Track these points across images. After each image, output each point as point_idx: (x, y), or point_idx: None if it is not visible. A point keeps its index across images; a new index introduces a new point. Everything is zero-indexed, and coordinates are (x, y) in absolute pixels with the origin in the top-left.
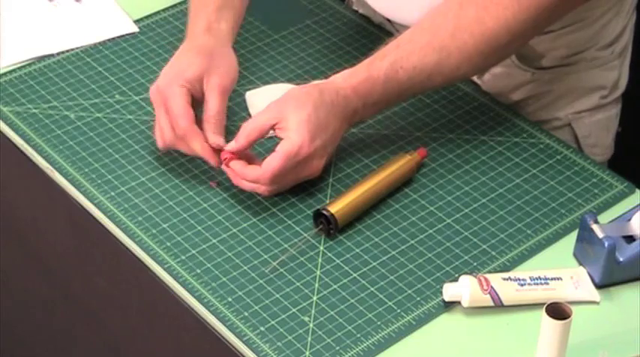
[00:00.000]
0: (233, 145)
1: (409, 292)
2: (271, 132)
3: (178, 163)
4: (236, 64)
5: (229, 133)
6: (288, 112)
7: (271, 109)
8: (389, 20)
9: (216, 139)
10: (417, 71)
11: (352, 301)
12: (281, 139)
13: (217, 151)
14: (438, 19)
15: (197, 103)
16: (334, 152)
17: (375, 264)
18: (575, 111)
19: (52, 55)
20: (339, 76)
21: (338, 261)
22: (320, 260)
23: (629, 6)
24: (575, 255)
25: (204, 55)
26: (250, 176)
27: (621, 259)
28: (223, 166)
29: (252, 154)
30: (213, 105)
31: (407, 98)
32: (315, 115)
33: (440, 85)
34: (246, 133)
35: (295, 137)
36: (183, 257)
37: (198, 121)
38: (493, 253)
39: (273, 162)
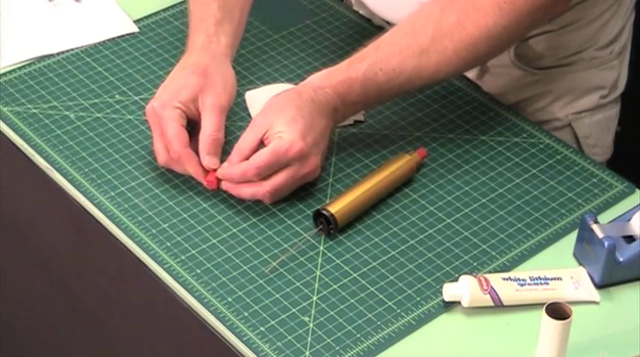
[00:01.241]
0: (227, 169)
1: (409, 292)
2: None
3: None
4: (233, 80)
5: (229, 133)
6: (273, 119)
7: (256, 124)
8: (388, 22)
9: (209, 161)
10: (396, 73)
11: (352, 301)
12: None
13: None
14: (419, 23)
15: (195, 122)
16: (327, 151)
17: (375, 264)
18: (575, 111)
19: (52, 55)
20: (315, 76)
21: (338, 261)
22: (320, 260)
23: (627, 5)
24: (575, 255)
25: (198, 73)
26: (237, 170)
27: (621, 259)
28: (213, 188)
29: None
30: (208, 125)
31: (387, 99)
32: (300, 115)
33: (419, 87)
34: (238, 152)
35: (286, 136)
36: (183, 257)
37: (196, 141)
38: (493, 253)
39: (260, 155)
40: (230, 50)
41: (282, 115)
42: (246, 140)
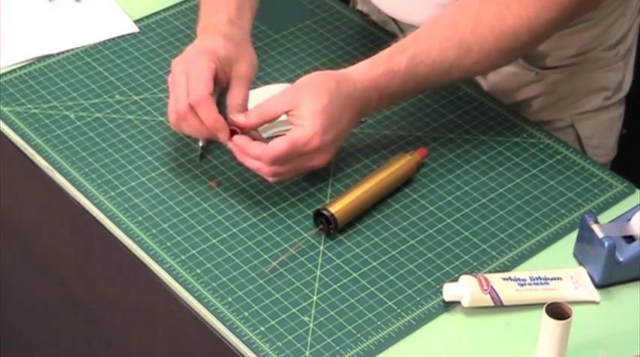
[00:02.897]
0: (242, 119)
1: (409, 292)
2: (284, 116)
3: (178, 163)
4: (257, 60)
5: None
6: (303, 100)
7: (287, 94)
8: (393, 19)
9: (237, 117)
10: (436, 65)
11: (352, 301)
12: (293, 125)
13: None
14: (458, 15)
15: (219, 83)
16: (325, 170)
17: (375, 264)
18: (579, 112)
19: (52, 55)
20: (356, 67)
21: (338, 261)
22: (320, 260)
23: (634, 7)
24: (575, 255)
25: (234, 42)
26: (253, 152)
27: (621, 259)
28: (227, 141)
29: (260, 135)
30: (240, 93)
31: (422, 92)
32: (330, 107)
33: (457, 79)
34: (259, 112)
35: (308, 128)
36: (183, 257)
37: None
38: (493, 253)
39: (279, 144)
40: (249, 35)
41: (313, 101)
42: (271, 104)
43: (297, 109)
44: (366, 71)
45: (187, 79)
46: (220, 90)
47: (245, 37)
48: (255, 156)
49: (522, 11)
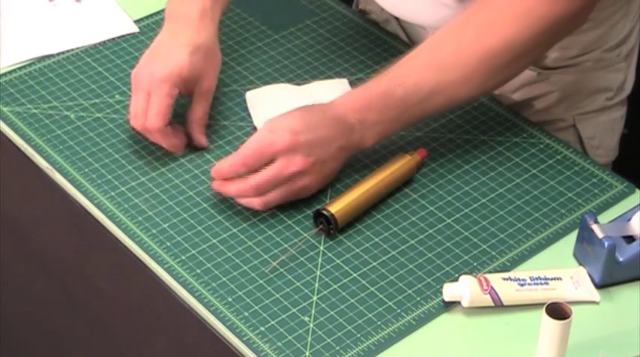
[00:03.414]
0: (215, 166)
1: (409, 292)
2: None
3: (178, 163)
4: (220, 60)
5: (229, 133)
6: (274, 119)
7: (259, 134)
8: (396, 18)
9: (201, 140)
10: (416, 88)
11: (352, 301)
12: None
13: (182, 142)
14: (440, 39)
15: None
16: (332, 175)
17: (375, 264)
18: (580, 112)
19: (52, 55)
20: (335, 98)
21: (338, 261)
22: (320, 260)
23: (637, 8)
24: (575, 255)
25: (201, 53)
26: (225, 163)
27: (621, 259)
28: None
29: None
30: (201, 109)
31: (410, 121)
32: (301, 116)
33: (443, 105)
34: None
35: (277, 129)
36: (183, 257)
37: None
38: (493, 253)
39: (246, 146)
40: (217, 29)
41: (282, 116)
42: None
43: (267, 124)
44: (344, 96)
45: (147, 101)
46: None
47: (212, 35)
48: (228, 166)
49: (504, 31)
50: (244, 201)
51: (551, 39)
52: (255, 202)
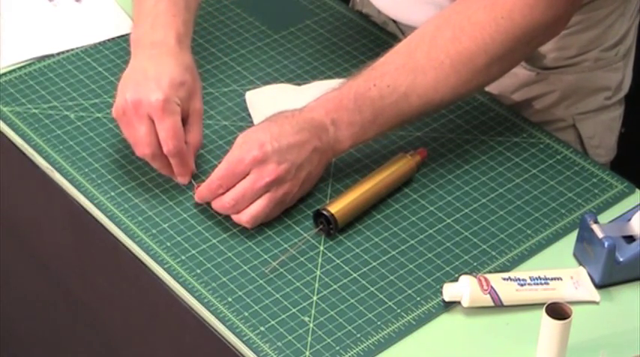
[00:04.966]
0: (198, 191)
1: (409, 292)
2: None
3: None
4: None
5: (229, 133)
6: (244, 133)
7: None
8: (393, 20)
9: (194, 166)
10: (390, 90)
11: (352, 301)
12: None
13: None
14: (414, 42)
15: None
16: (312, 178)
17: (375, 264)
18: (580, 112)
19: (52, 55)
20: (308, 102)
21: (338, 261)
22: (320, 260)
23: (634, 7)
24: (575, 255)
25: (189, 73)
26: (203, 188)
27: (621, 259)
28: (185, 183)
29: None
30: (199, 131)
31: (387, 123)
32: (268, 127)
33: (418, 107)
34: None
35: (243, 145)
36: (183, 257)
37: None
38: (493, 253)
39: (218, 168)
40: (191, 52)
41: (251, 130)
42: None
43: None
44: (317, 99)
45: (151, 126)
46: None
47: (191, 59)
48: (207, 189)
49: (477, 33)
50: (234, 218)
51: (527, 46)
52: (243, 219)
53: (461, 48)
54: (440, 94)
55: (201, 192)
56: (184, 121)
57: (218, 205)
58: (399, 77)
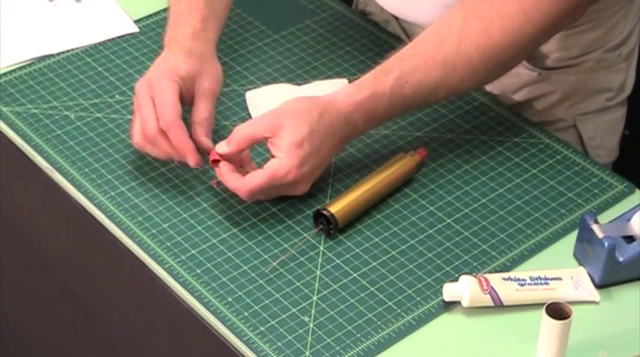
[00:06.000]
0: (224, 149)
1: (409, 292)
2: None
3: (178, 163)
4: (222, 72)
5: (229, 133)
6: (284, 129)
7: (267, 120)
8: (396, 18)
9: (207, 142)
10: (422, 86)
11: (352, 301)
12: (271, 155)
13: (198, 150)
14: (442, 33)
15: (183, 102)
16: (325, 170)
17: (375, 264)
18: (581, 112)
19: (52, 55)
20: (341, 92)
21: (338, 261)
22: (320, 260)
23: (637, 9)
24: (575, 255)
25: (195, 57)
26: (230, 184)
27: (621, 259)
28: (212, 166)
29: (246, 154)
30: (205, 109)
31: (409, 112)
32: (310, 139)
33: (442, 99)
34: (238, 139)
35: (285, 161)
36: (183, 257)
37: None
38: (493, 253)
39: (256, 178)
40: (215, 46)
41: (292, 132)
42: (250, 129)
43: (276, 138)
44: (351, 95)
45: (153, 103)
46: (185, 107)
47: (209, 50)
48: (232, 187)
49: (507, 25)
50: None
51: (551, 31)
52: (242, 190)
53: (490, 42)
54: (466, 85)
55: (226, 182)
56: (192, 101)
57: (235, 184)
58: (429, 72)
